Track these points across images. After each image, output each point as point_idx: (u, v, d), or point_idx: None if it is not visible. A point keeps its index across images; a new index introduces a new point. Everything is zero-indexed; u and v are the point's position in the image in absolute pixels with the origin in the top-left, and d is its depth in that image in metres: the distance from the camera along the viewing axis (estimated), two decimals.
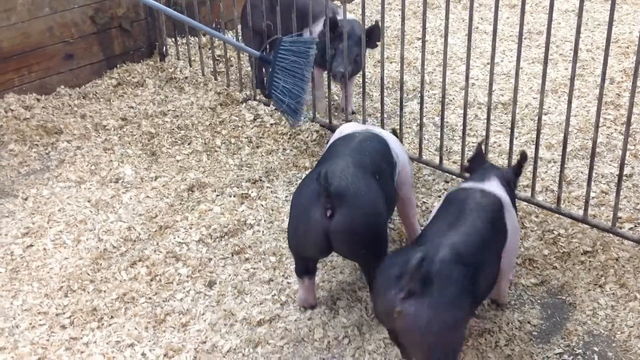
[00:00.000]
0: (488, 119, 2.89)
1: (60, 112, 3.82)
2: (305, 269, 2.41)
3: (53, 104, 3.88)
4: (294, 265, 2.46)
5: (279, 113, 3.49)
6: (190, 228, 2.91)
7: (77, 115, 3.77)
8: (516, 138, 3.33)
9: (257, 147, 3.48)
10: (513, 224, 2.28)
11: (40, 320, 2.45)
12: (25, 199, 3.10)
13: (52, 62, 3.97)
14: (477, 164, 2.45)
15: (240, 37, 4.02)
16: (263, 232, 2.88)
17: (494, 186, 2.30)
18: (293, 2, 3.36)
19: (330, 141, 2.65)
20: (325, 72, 3.61)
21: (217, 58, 4.23)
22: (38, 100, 3.88)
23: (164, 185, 3.20)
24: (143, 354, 2.31)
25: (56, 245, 2.81)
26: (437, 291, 1.93)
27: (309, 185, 2.31)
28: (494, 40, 2.81)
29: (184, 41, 4.27)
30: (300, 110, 3.18)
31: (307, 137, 3.51)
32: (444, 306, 1.93)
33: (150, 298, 2.55)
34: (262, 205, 3.04)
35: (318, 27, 3.49)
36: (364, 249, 2.28)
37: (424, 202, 3.04)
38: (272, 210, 3.01)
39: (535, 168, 2.86)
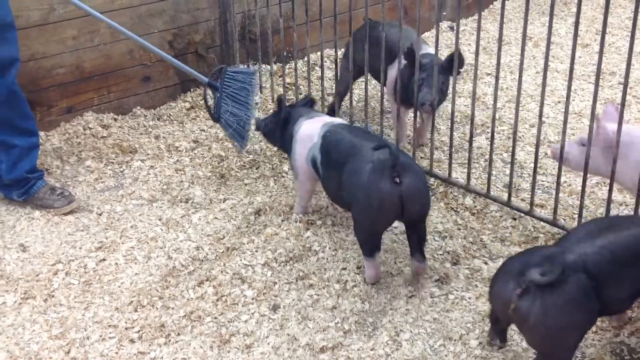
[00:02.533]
0: (561, 157, 2.86)
1: (136, 132, 3.95)
2: (377, 246, 2.69)
3: (129, 123, 4.02)
4: (364, 249, 2.69)
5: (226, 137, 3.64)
6: (256, 251, 2.96)
7: (151, 136, 3.90)
8: (589, 179, 3.27)
9: None
10: None
11: (110, 333, 2.52)
12: (100, 215, 3.21)
13: (130, 83, 4.12)
14: None
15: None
16: (327, 259, 2.91)
17: None
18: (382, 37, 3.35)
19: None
20: (408, 109, 3.61)
21: (287, 86, 4.32)
22: (115, 119, 4.02)
23: (231, 208, 3.26)
24: None
25: (127, 261, 2.89)
26: (555, 293, 2.01)
27: (363, 166, 2.59)
28: (570, 79, 2.79)
29: (256, 68, 4.37)
30: (247, 136, 3.46)
31: None
32: (558, 308, 2.01)
33: (216, 318, 2.60)
34: (327, 232, 3.07)
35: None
36: (428, 206, 2.68)
37: (491, 240, 3.01)
38: (337, 238, 3.04)
39: (608, 210, 2.81)
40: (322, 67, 3.85)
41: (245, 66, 3.67)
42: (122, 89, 4.09)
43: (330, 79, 4.38)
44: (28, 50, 3.67)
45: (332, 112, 3.93)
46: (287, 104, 3.24)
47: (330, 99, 4.17)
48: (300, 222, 3.13)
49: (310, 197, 3.18)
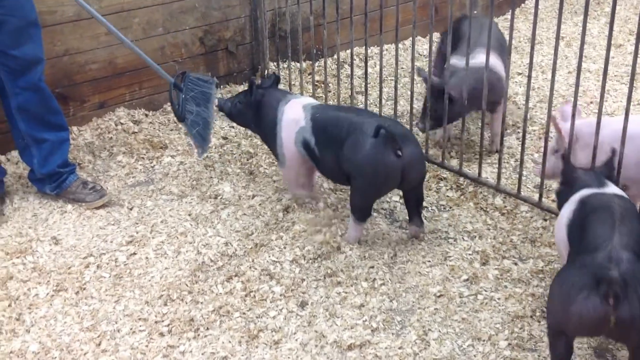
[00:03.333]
0: (594, 158, 2.82)
1: (166, 128, 3.99)
2: (370, 212, 2.94)
3: (160, 119, 4.06)
4: (359, 215, 2.89)
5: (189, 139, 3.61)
6: (285, 248, 2.97)
7: (181, 132, 3.93)
8: None
9: None
10: None
11: (140, 326, 2.55)
12: (131, 209, 3.24)
13: (161, 80, 4.13)
14: (569, 172, 2.51)
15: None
16: (355, 257, 2.91)
17: (615, 189, 2.40)
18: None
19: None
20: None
21: (316, 83, 4.32)
22: (146, 115, 4.07)
23: (260, 204, 3.28)
24: None
25: (157, 255, 2.92)
26: (635, 291, 1.95)
27: (367, 141, 2.75)
28: (603, 79, 2.75)
29: (286, 65, 4.38)
30: (208, 139, 3.42)
31: None
32: None
33: (244, 313, 2.62)
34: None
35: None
36: (425, 172, 2.92)
37: (521, 240, 2.99)
38: (365, 237, 3.04)
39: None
40: (351, 65, 3.84)
41: (209, 75, 3.71)
42: (153, 85, 4.13)
43: (359, 77, 4.38)
44: (62, 45, 3.72)
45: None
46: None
47: (360, 97, 4.15)
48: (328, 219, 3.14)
49: (301, 179, 3.17)
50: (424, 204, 3.08)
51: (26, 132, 3.22)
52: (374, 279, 2.78)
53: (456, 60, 3.45)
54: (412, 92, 3.53)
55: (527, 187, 3.35)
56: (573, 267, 2.12)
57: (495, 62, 3.41)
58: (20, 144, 3.29)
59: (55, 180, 3.30)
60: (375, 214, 3.19)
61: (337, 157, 2.89)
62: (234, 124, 3.99)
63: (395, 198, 3.30)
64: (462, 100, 3.30)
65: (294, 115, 3.04)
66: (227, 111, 3.32)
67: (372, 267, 2.85)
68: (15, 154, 3.60)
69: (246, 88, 3.26)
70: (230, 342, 2.48)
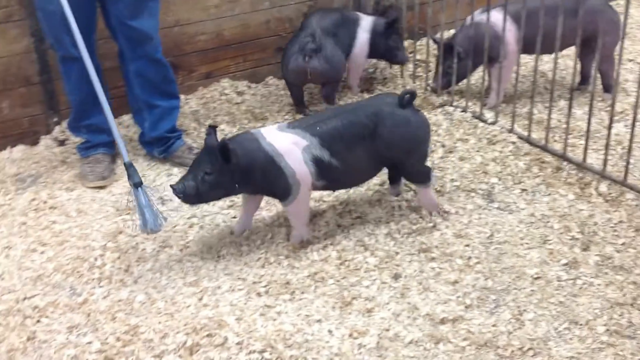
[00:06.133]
0: None
1: (267, 100, 4.08)
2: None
3: (261, 92, 4.16)
4: (429, 175, 2.97)
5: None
6: (380, 221, 3.00)
7: (281, 104, 4.01)
8: None
9: (450, 152, 3.51)
10: None
11: (239, 285, 2.65)
12: None
13: (265, 53, 4.24)
14: None
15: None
16: (450, 235, 2.90)
17: None
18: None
19: None
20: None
21: (417, 62, 4.30)
22: (249, 87, 4.17)
23: None
24: (329, 331, 2.42)
25: (256, 222, 3.01)
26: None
27: (405, 117, 2.83)
28: None
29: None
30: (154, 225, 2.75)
31: (503, 148, 3.48)
32: None
33: (338, 280, 2.67)
34: (450, 209, 3.06)
35: None
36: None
37: (624, 228, 2.91)
38: (461, 215, 3.02)
39: None
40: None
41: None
42: (257, 58, 4.23)
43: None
44: (174, 16, 3.86)
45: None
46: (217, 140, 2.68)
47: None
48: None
49: (307, 211, 2.87)
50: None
51: (141, 97, 3.39)
52: (469, 257, 2.77)
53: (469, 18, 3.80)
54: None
55: (634, 175, 3.24)
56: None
57: (498, 18, 3.59)
58: (134, 107, 3.47)
59: (163, 144, 3.46)
60: (473, 194, 3.17)
61: (371, 151, 2.81)
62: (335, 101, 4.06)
63: (493, 180, 3.27)
64: (465, 55, 3.68)
65: (286, 140, 2.72)
66: (193, 192, 2.63)
67: (468, 245, 2.84)
68: (127, 117, 3.79)
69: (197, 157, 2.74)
70: (324, 306, 2.54)
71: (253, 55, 4.22)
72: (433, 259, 2.78)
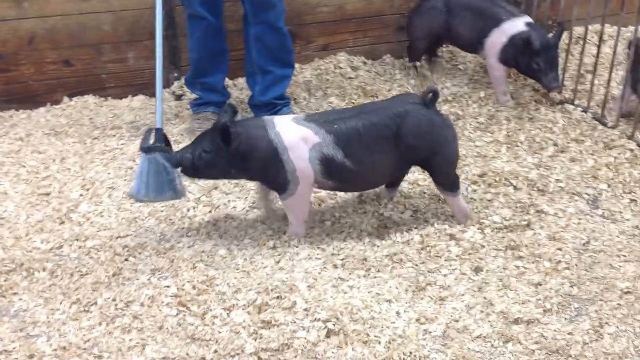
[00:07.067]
0: None
1: (381, 78, 4.06)
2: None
3: (377, 69, 4.14)
4: (456, 185, 2.82)
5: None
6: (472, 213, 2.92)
7: (394, 84, 3.98)
8: None
9: (562, 152, 3.35)
10: None
11: (317, 254, 2.67)
12: None
13: (386, 30, 4.22)
14: None
15: None
16: (543, 236, 2.78)
17: None
18: None
19: None
20: None
21: None
22: (364, 63, 4.17)
23: (458, 168, 3.23)
24: (397, 312, 2.40)
25: (340, 198, 3.02)
26: None
27: (431, 118, 2.70)
28: None
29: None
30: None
31: (620, 154, 3.28)
32: None
33: (416, 265, 2.63)
34: (549, 210, 2.93)
35: None
36: None
37: None
38: (559, 217, 2.89)
39: None
40: (584, 41, 3.62)
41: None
42: (376, 35, 4.21)
43: (593, 56, 4.09)
44: None
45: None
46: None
47: (590, 76, 3.87)
48: (525, 193, 3.02)
49: (307, 209, 2.74)
50: None
51: (256, 61, 3.48)
52: (559, 261, 2.64)
53: None
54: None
55: None
56: None
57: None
58: (248, 69, 3.57)
59: (270, 109, 3.53)
60: (577, 197, 3.02)
61: (392, 153, 2.65)
62: (448, 84, 3.97)
63: (602, 185, 3.10)
64: None
65: (297, 134, 2.59)
66: (189, 165, 2.60)
67: (560, 249, 2.71)
68: (241, 80, 3.90)
69: (205, 133, 2.66)
70: (397, 288, 2.52)
71: (373, 31, 4.20)
72: (520, 257, 2.68)
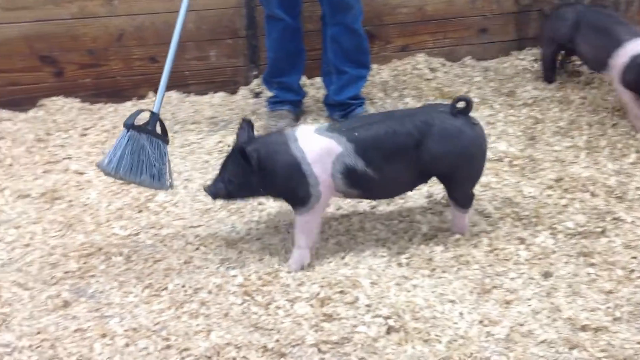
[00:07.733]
0: None
1: (459, 80, 4.03)
2: None
3: (455, 71, 4.11)
4: (471, 200, 2.71)
5: None
6: (544, 217, 2.85)
7: (472, 85, 3.93)
8: None
9: None
10: None
11: (382, 252, 2.68)
12: None
13: (467, 32, 4.18)
14: None
15: None
16: (618, 244, 2.69)
17: None
18: None
19: None
20: None
21: None
22: (443, 65, 4.15)
23: (532, 171, 3.17)
24: (460, 313, 2.38)
25: (412, 197, 3.02)
26: None
27: (459, 128, 2.55)
28: None
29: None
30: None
31: None
32: None
33: (483, 267, 2.60)
34: (626, 218, 2.83)
35: None
36: None
37: None
38: (637, 225, 2.78)
39: None
40: None
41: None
42: (457, 37, 4.18)
43: None
44: None
45: None
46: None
47: None
48: (602, 199, 2.93)
49: (318, 228, 2.65)
50: None
51: (332, 61, 3.53)
52: (633, 270, 2.55)
53: None
54: None
55: None
56: None
57: None
58: (324, 68, 3.63)
59: (344, 109, 3.57)
60: None
61: (414, 163, 2.54)
62: (527, 90, 3.90)
63: None
64: None
65: (319, 147, 2.50)
66: (225, 194, 2.58)
67: (635, 257, 2.61)
68: (318, 79, 3.95)
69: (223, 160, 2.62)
70: (461, 289, 2.50)
71: (454, 33, 4.18)
72: (592, 264, 2.60)
